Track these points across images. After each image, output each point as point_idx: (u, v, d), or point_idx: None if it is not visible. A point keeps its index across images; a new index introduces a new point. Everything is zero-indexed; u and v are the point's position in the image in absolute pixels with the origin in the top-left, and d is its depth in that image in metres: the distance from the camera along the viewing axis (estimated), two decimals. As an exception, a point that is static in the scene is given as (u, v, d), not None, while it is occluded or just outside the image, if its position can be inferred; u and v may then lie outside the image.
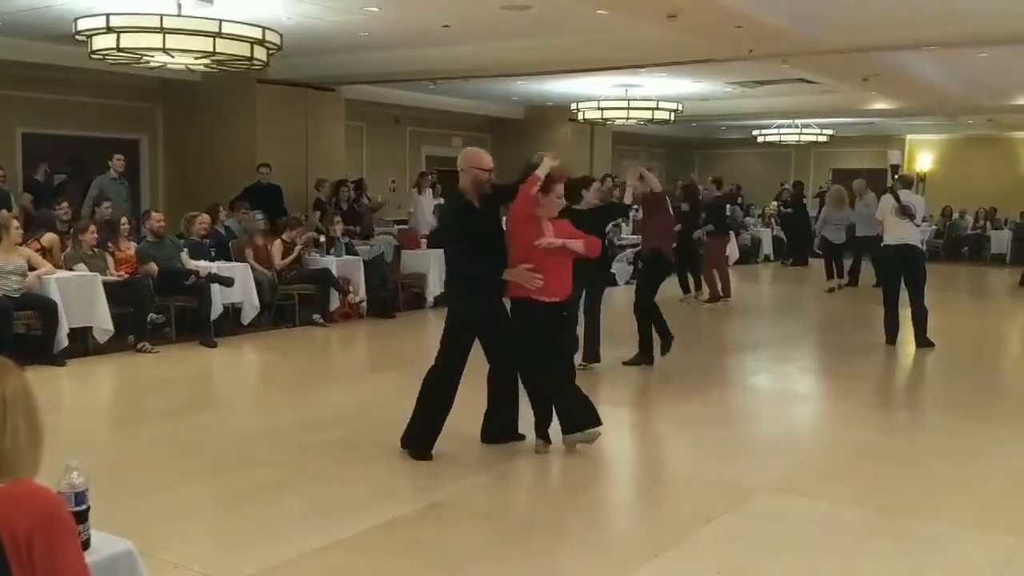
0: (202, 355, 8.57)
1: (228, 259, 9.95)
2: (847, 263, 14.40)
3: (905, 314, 9.10)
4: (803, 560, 3.93)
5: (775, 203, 20.21)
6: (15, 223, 7.97)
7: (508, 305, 5.25)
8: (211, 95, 12.73)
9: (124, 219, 9.27)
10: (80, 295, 8.00)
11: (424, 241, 12.39)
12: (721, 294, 12.88)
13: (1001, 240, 20.23)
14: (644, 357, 7.95)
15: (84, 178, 11.81)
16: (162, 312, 9.04)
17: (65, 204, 9.71)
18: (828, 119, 18.94)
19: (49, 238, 8.65)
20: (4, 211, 9.03)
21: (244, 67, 9.02)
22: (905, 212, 8.87)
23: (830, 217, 14.26)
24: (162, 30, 7.92)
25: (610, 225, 14.48)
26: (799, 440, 6.04)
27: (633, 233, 14.10)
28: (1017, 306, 14.08)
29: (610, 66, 11.66)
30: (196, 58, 8.54)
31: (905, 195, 9.04)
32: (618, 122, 15.79)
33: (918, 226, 9.15)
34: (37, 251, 8.30)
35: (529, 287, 5.04)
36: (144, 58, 8.65)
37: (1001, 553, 3.97)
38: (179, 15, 8.10)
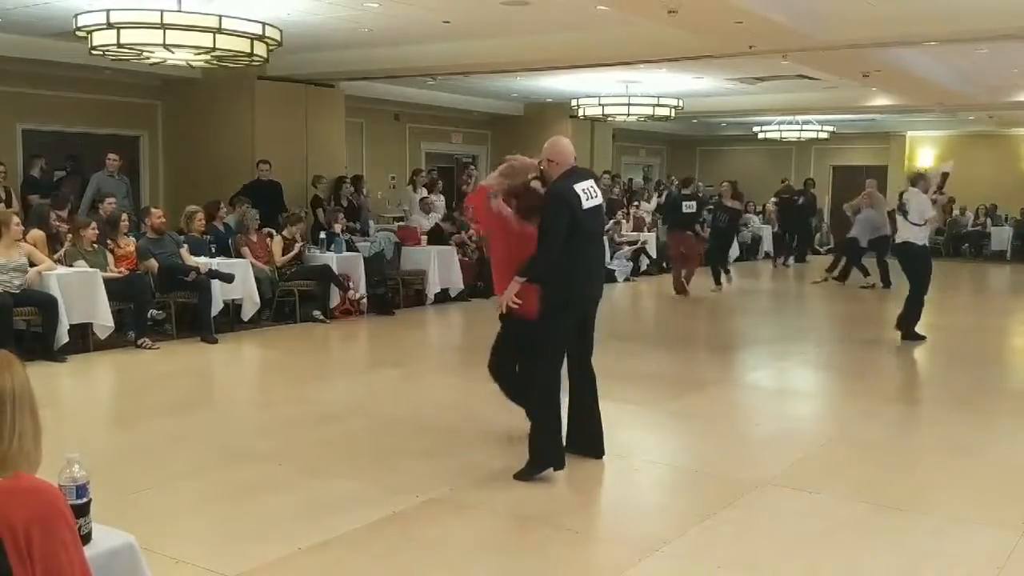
0: (202, 351, 8.57)
1: (228, 255, 9.96)
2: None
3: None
4: (803, 555, 3.94)
5: (774, 199, 20.15)
6: (15, 219, 7.96)
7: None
8: (211, 91, 12.73)
9: (124, 215, 9.27)
10: (80, 291, 8.01)
11: (424, 238, 12.39)
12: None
13: (1001, 237, 20.22)
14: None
15: (82, 175, 11.79)
16: (162, 308, 9.05)
17: (69, 205, 9.69)
18: (829, 115, 18.90)
19: (34, 235, 8.46)
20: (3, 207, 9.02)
21: (244, 63, 9.02)
22: (900, 210, 9.06)
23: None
24: (163, 26, 7.94)
25: (610, 222, 14.60)
26: (798, 435, 6.03)
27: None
28: (1016, 302, 14.08)
29: (610, 62, 11.64)
30: (196, 54, 8.54)
31: (908, 194, 9.17)
32: (619, 119, 15.80)
33: (916, 224, 9.17)
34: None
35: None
36: (144, 54, 8.66)
37: (1002, 547, 3.98)
38: (179, 11, 8.12)
